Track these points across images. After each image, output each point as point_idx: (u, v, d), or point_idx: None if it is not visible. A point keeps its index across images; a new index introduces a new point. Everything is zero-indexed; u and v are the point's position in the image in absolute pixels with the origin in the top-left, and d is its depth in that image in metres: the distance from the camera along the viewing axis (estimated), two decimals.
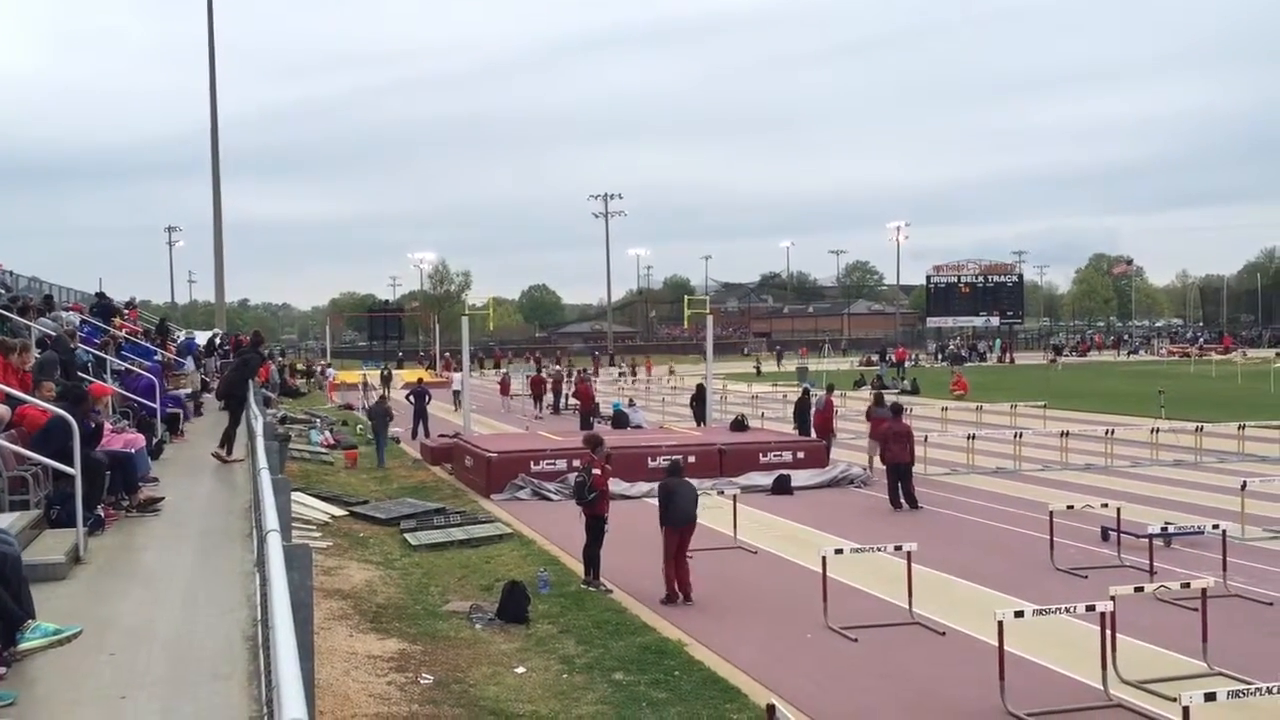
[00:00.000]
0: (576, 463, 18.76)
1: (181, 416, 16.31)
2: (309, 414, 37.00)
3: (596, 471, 13.62)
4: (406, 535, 16.93)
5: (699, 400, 32.05)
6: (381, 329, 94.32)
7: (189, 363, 24.15)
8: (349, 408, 43.08)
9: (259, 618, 5.55)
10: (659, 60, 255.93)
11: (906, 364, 67.69)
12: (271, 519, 5.57)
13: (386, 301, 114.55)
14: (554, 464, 21.36)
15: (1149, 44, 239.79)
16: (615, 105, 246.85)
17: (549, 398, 41.79)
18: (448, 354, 64.84)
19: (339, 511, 18.71)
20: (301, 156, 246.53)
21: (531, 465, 21.38)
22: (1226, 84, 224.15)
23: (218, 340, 34.82)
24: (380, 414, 27.10)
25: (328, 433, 31.14)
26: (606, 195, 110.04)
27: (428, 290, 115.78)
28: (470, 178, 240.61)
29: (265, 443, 9.77)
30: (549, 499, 20.37)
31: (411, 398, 32.97)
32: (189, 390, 20.41)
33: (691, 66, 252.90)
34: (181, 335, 31.46)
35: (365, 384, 45.88)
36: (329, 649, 10.56)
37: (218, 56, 47.87)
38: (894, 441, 19.07)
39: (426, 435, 30.78)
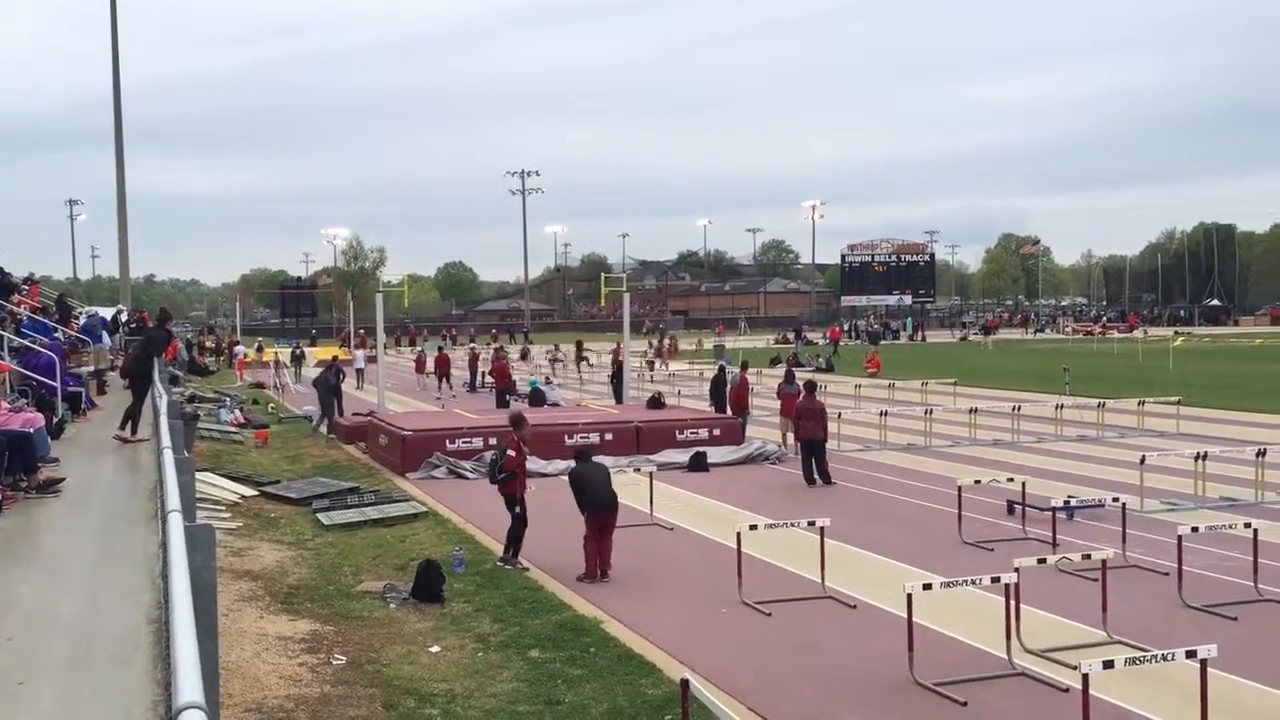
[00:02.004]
0: (493, 441, 18.70)
1: (84, 396, 15.87)
2: (219, 393, 36.25)
3: (512, 452, 13.55)
4: (319, 515, 16.69)
5: (617, 378, 32.10)
6: (294, 306, 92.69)
7: (106, 338, 23.48)
8: (260, 386, 42.30)
9: (163, 600, 5.43)
10: (575, 37, 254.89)
11: (824, 342, 68.42)
12: (174, 499, 5.45)
13: (299, 278, 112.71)
14: (470, 442, 21.24)
15: (1055, 29, 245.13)
16: (534, 81, 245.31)
17: (465, 376, 41.45)
18: (362, 331, 63.92)
19: (249, 491, 18.38)
20: (210, 129, 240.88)
21: (447, 443, 21.22)
22: (1132, 70, 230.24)
23: (123, 317, 33.89)
24: (325, 383, 27.54)
25: (238, 411, 30.55)
26: (524, 172, 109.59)
27: (341, 267, 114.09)
28: (386, 153, 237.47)
29: (170, 421, 9.55)
30: (465, 477, 20.25)
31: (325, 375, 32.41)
32: (92, 368, 19.86)
33: (610, 44, 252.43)
34: (84, 313, 30.55)
35: (276, 362, 45.01)
36: (238, 631, 10.39)
37: (121, 23, 46.25)
38: (808, 419, 19.30)
39: (340, 414, 30.36)
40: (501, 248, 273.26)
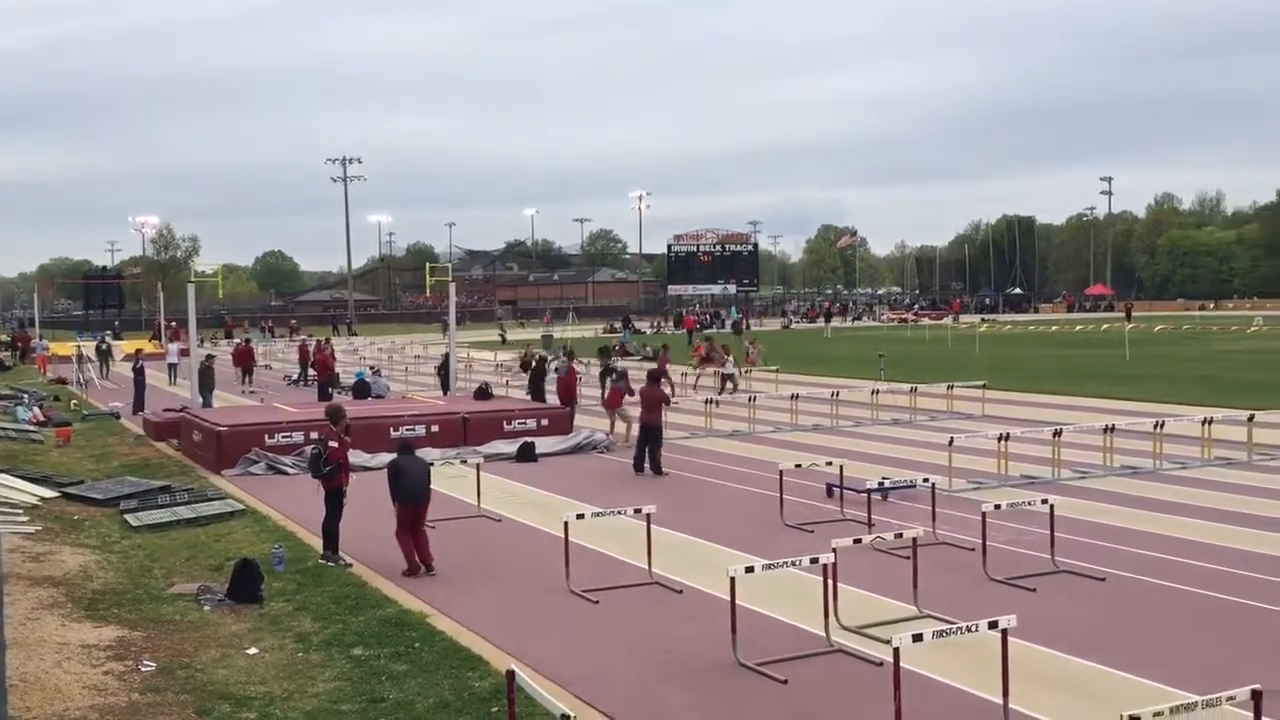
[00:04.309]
0: (315, 435, 18.19)
1: None
2: (15, 389, 34.15)
3: (334, 444, 13.24)
4: (127, 516, 15.92)
5: (444, 369, 31.70)
6: (99, 297, 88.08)
7: None
8: (62, 382, 40.04)
9: None
10: (396, 22, 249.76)
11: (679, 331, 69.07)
12: None
13: (104, 268, 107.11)
14: (290, 436, 20.61)
15: (869, 27, 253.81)
16: (355, 66, 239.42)
17: (285, 369, 40.18)
18: (174, 323, 61.21)
19: (49, 493, 17.37)
20: (3, 110, 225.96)
21: (266, 439, 20.54)
22: (943, 68, 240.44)
23: None
24: (204, 371, 28.72)
25: (37, 409, 28.83)
26: (345, 159, 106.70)
27: (151, 256, 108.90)
28: (199, 138, 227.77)
29: None
30: (285, 473, 19.65)
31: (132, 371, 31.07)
32: None
33: (437, 29, 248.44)
34: None
35: (80, 356, 42.64)
36: (37, 641, 9.83)
37: None
38: (648, 407, 19.47)
39: (142, 408, 29.15)
40: (323, 236, 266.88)
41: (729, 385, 30.68)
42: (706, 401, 25.32)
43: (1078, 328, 69.41)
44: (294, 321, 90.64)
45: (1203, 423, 19.53)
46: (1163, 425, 19.12)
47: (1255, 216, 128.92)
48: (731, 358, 32.46)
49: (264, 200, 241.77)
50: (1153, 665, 9.00)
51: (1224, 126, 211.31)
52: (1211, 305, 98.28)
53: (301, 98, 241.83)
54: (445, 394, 29.67)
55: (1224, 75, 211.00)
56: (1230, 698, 6.15)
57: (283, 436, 20.65)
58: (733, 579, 9.37)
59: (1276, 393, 27.46)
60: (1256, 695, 6.18)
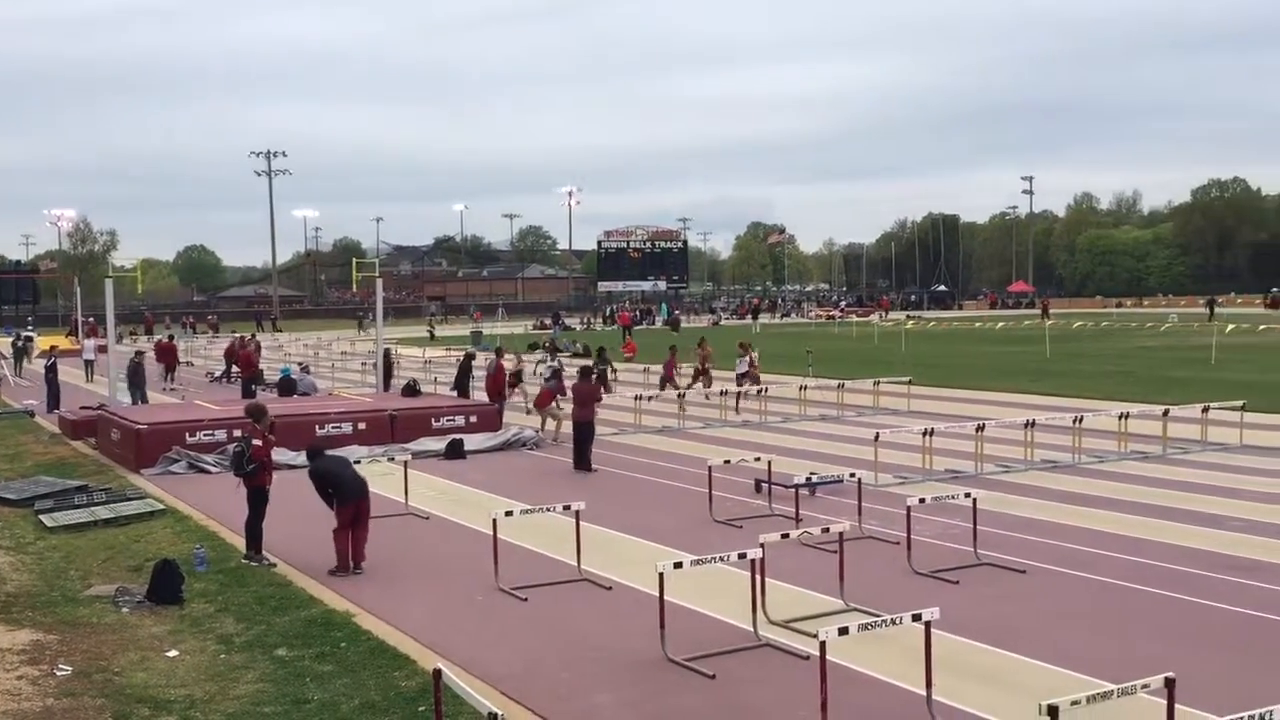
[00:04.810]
0: (238, 433, 17.88)
1: None
2: None
3: (257, 442, 13.03)
4: (42, 516, 15.53)
5: (385, 364, 31.39)
6: (13, 292, 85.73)
7: None
8: None
9: None
10: (322, 14, 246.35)
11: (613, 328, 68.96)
12: None
13: (18, 262, 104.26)
14: (212, 435, 20.24)
15: (799, 26, 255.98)
16: (280, 59, 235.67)
17: (208, 366, 39.44)
18: (91, 319, 59.76)
19: None
20: None
21: (187, 437, 20.15)
22: (869, 68, 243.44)
23: None
24: (134, 368, 29.11)
25: None
26: (269, 153, 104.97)
27: (68, 250, 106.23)
28: (118, 129, 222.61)
29: None
30: (207, 471, 19.29)
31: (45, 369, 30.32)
32: None
33: (359, 23, 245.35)
34: None
35: None
36: None
37: None
38: (581, 403, 19.42)
39: (57, 405, 28.44)
40: (247, 231, 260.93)
41: (747, 385, 27.48)
42: (636, 398, 25.35)
43: (1000, 325, 70.78)
44: (211, 317, 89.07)
45: (1119, 417, 20.02)
46: (1081, 420, 19.55)
47: (1170, 216, 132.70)
48: (752, 355, 29.35)
49: (186, 194, 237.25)
50: (1071, 656, 9.20)
51: (1140, 128, 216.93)
52: (1128, 302, 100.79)
53: (224, 91, 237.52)
54: (385, 390, 29.20)
55: (1138, 78, 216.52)
56: (1145, 686, 6.31)
57: (205, 435, 20.27)
58: (661, 575, 9.39)
59: (1190, 388, 28.24)
60: (1170, 683, 6.35)
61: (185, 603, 11.24)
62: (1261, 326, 57.86)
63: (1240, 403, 21.15)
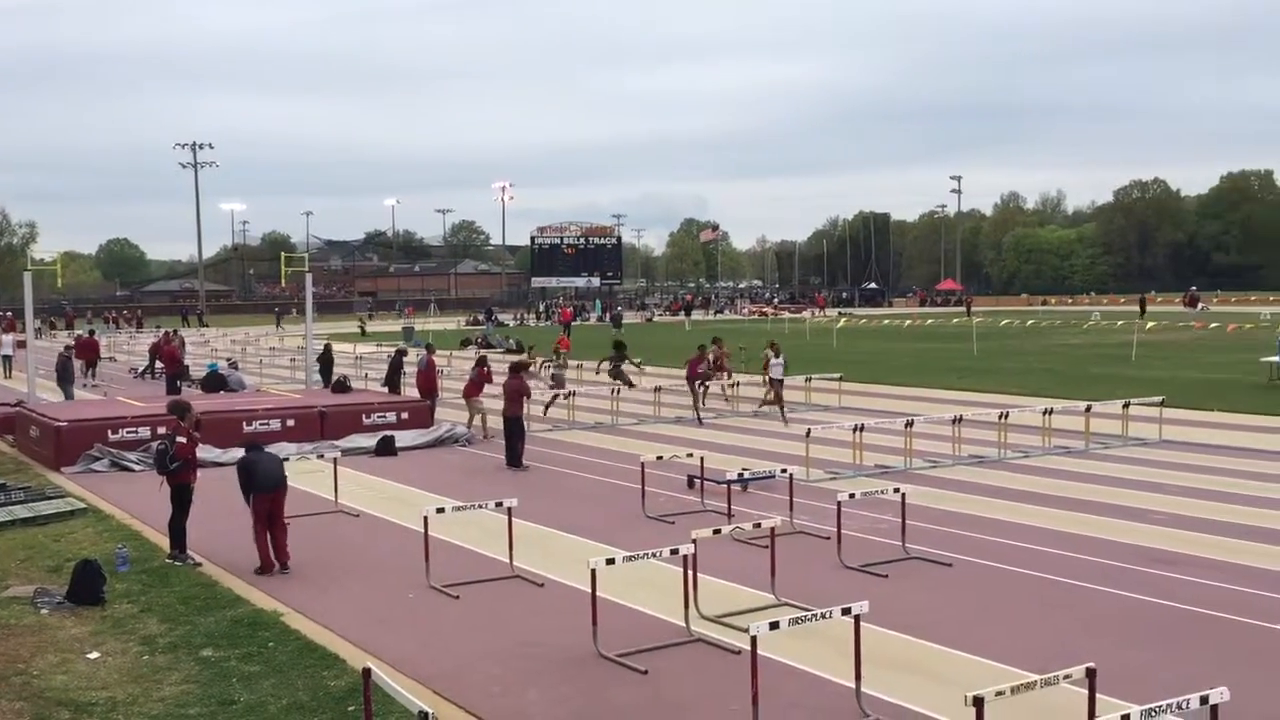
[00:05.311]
0: (162, 430, 17.54)
1: None
2: None
3: (181, 439, 12.78)
4: None
5: (323, 361, 30.98)
6: None
7: None
8: None
9: None
10: (261, 4, 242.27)
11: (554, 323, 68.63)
12: None
13: None
14: (135, 432, 19.81)
15: (732, 24, 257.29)
16: (205, 48, 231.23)
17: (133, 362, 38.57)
18: (8, 314, 58.22)
19: None
20: None
21: (109, 434, 19.70)
22: (808, 66, 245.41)
23: None
24: (64, 363, 28.87)
25: None
26: (195, 144, 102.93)
27: None
28: (39, 119, 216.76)
29: None
30: (130, 469, 18.88)
31: None
32: None
33: (297, 12, 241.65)
34: None
35: None
36: None
37: None
38: (510, 399, 19.31)
39: None
40: (172, 224, 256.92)
41: (768, 393, 26.03)
42: (569, 394, 25.30)
43: (929, 322, 71.85)
44: (126, 311, 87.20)
45: (1044, 413, 20.42)
46: (1007, 416, 19.90)
47: (1093, 216, 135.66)
48: (779, 356, 26.69)
49: (108, 186, 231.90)
50: (996, 647, 9.37)
51: (1066, 129, 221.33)
52: (1053, 300, 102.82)
53: (150, 81, 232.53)
54: (325, 386, 28.66)
55: (1065, 80, 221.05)
56: (1067, 676, 6.44)
57: (128, 432, 19.83)
58: (594, 571, 9.38)
59: (1112, 384, 28.89)
60: (1091, 673, 6.50)
61: (107, 603, 11.00)
62: (1180, 324, 59.41)
63: (1159, 398, 21.68)
